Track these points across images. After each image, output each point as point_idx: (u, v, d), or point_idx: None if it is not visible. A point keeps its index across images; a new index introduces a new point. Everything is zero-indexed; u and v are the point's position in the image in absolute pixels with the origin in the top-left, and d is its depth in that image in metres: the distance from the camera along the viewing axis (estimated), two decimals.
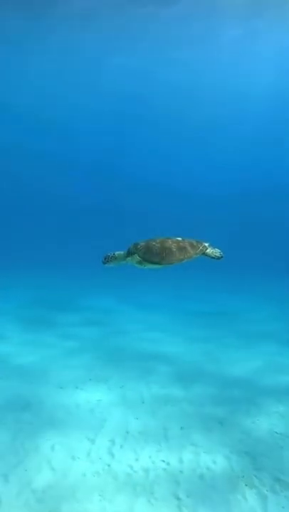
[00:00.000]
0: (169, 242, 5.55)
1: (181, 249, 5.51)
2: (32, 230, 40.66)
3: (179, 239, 5.66)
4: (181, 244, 5.57)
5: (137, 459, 5.49)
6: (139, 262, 5.56)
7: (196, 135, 40.92)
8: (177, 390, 7.65)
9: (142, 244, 5.55)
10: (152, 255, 5.44)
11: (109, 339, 10.98)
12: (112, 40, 26.25)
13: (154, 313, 14.55)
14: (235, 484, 5.05)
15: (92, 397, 7.29)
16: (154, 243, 5.52)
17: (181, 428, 6.30)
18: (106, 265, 5.79)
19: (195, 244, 5.66)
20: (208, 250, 5.73)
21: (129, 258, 5.64)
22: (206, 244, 5.74)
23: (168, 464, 5.42)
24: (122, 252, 5.73)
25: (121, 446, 5.77)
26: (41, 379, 7.97)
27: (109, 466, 5.34)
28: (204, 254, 5.72)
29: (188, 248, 5.57)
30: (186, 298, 18.04)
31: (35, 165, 42.43)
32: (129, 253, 5.63)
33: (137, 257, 5.55)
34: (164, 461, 5.48)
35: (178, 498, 4.78)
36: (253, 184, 45.08)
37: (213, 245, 5.81)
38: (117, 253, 5.74)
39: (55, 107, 35.40)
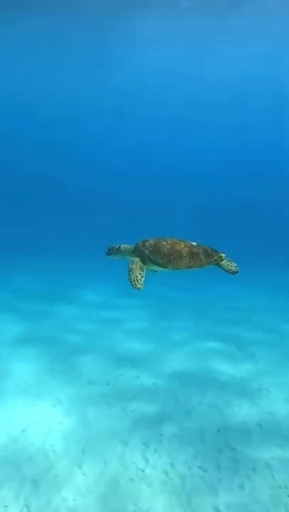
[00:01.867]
0: (181, 245, 5.12)
1: (193, 255, 5.09)
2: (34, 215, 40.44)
3: (194, 243, 5.22)
4: (194, 249, 5.14)
5: (172, 465, 5.22)
6: (143, 261, 5.11)
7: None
8: (213, 391, 7.32)
9: (151, 242, 5.14)
10: (159, 256, 5.04)
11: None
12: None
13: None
14: (277, 495, 4.73)
15: (124, 395, 7.02)
16: (164, 243, 5.10)
17: (218, 431, 5.99)
18: (109, 257, 5.39)
19: (210, 252, 5.21)
20: (223, 262, 5.28)
21: (134, 254, 5.20)
22: (223, 255, 5.30)
23: (205, 470, 5.13)
24: (128, 246, 5.30)
25: (155, 450, 5.50)
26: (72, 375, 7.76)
27: (143, 472, 5.08)
28: (218, 265, 5.28)
29: (201, 255, 5.14)
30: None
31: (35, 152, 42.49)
32: (136, 249, 5.21)
33: (142, 254, 5.13)
34: (200, 467, 5.19)
35: (217, 510, 4.49)
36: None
37: (230, 257, 5.37)
38: (122, 246, 5.33)
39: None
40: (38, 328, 10.57)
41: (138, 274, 4.95)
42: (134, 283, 4.86)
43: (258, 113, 37.90)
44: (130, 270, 4.99)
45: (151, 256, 5.05)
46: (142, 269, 5.01)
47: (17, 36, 24.79)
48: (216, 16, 22.62)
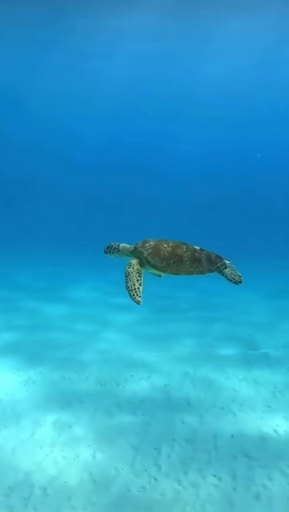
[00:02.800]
0: (183, 248, 4.74)
1: (195, 260, 4.72)
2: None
3: (197, 248, 4.84)
4: (196, 254, 4.75)
5: (185, 473, 5.04)
6: (141, 263, 4.71)
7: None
8: (226, 394, 7.13)
9: (151, 243, 4.75)
10: (158, 259, 4.65)
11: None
12: None
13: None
14: None
15: (135, 395, 6.86)
16: (165, 245, 4.71)
17: (232, 436, 5.80)
18: (107, 255, 5.00)
19: (213, 258, 4.85)
20: (226, 270, 4.91)
21: (133, 255, 4.80)
22: (227, 262, 4.93)
23: (220, 479, 4.95)
24: (127, 246, 4.88)
25: (168, 456, 5.32)
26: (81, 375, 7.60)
27: (156, 480, 4.91)
28: (220, 272, 4.90)
29: (204, 261, 4.77)
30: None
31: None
32: (135, 250, 4.79)
33: (141, 256, 4.72)
34: (215, 475, 5.01)
35: None
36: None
37: (234, 266, 4.98)
38: (122, 245, 4.90)
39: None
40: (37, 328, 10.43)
41: (136, 281, 4.54)
42: (132, 293, 4.48)
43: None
44: (127, 275, 4.58)
45: (149, 258, 4.68)
46: (139, 273, 4.63)
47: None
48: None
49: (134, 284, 4.52)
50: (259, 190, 43.35)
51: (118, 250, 4.90)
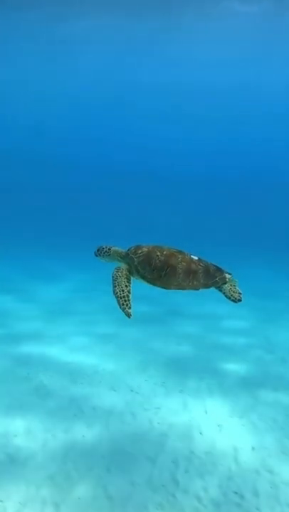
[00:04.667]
0: (178, 258, 4.16)
1: (190, 273, 4.14)
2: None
3: (195, 258, 4.25)
4: (192, 266, 4.16)
5: (205, 489, 4.76)
6: (130, 271, 4.22)
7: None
8: (246, 398, 6.84)
9: (144, 250, 4.20)
10: (149, 269, 4.12)
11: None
12: None
13: None
14: None
15: (150, 402, 6.59)
16: (158, 253, 4.15)
17: (253, 448, 5.52)
18: (97, 258, 4.52)
19: (212, 271, 4.25)
20: (225, 285, 4.32)
21: (123, 260, 4.32)
22: (227, 277, 4.32)
23: (242, 497, 4.67)
24: (119, 250, 4.38)
25: (186, 471, 5.05)
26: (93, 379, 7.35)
27: (174, 496, 4.64)
28: (219, 288, 4.32)
29: (200, 274, 4.18)
30: None
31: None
32: (126, 256, 4.30)
33: (131, 263, 4.23)
34: (236, 493, 4.73)
35: None
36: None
37: (235, 280, 4.39)
38: (113, 249, 4.40)
39: None
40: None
41: (124, 288, 4.06)
42: (121, 301, 4.00)
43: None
44: (114, 279, 4.12)
45: (139, 267, 4.14)
46: (128, 280, 4.15)
47: None
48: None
49: (122, 291, 4.04)
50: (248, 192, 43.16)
51: (109, 254, 4.41)
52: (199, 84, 33.46)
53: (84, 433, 5.69)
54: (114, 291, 4.05)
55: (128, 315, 3.95)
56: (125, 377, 7.37)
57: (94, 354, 8.45)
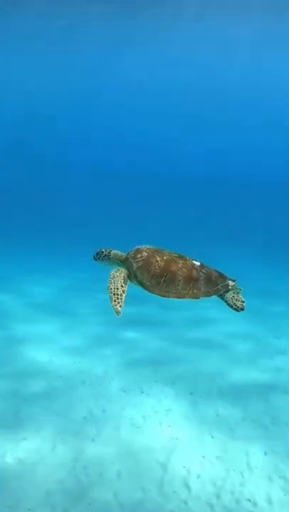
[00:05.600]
0: (179, 264, 3.93)
1: (190, 280, 3.91)
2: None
3: (197, 264, 4.00)
4: (193, 273, 3.92)
5: (218, 496, 4.67)
6: (129, 276, 4.02)
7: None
8: (257, 402, 6.72)
9: (144, 254, 3.99)
10: (147, 275, 3.91)
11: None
12: None
13: None
14: None
15: (160, 405, 6.50)
16: (158, 259, 3.93)
17: (265, 453, 5.42)
18: (96, 262, 4.32)
19: (214, 278, 4.01)
20: (228, 294, 4.08)
21: (123, 265, 4.12)
22: (231, 284, 4.07)
23: (255, 504, 4.58)
24: (119, 253, 4.19)
25: (198, 476, 4.96)
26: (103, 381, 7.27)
27: (186, 503, 4.55)
28: (220, 296, 4.09)
29: (201, 282, 3.94)
30: None
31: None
32: (126, 260, 4.11)
33: (130, 268, 4.03)
34: (249, 500, 4.63)
35: None
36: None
37: (240, 288, 4.13)
38: (113, 252, 4.20)
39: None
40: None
41: (120, 287, 3.87)
42: (114, 298, 3.81)
43: None
44: (112, 277, 3.93)
45: (138, 273, 3.94)
46: (125, 281, 3.95)
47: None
48: None
49: (117, 289, 3.85)
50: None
51: (109, 258, 4.22)
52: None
53: (94, 436, 5.61)
54: (108, 287, 3.87)
55: (117, 312, 3.75)
56: (135, 379, 7.27)
57: (99, 354, 8.37)
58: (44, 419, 5.95)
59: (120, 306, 3.78)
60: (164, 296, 3.95)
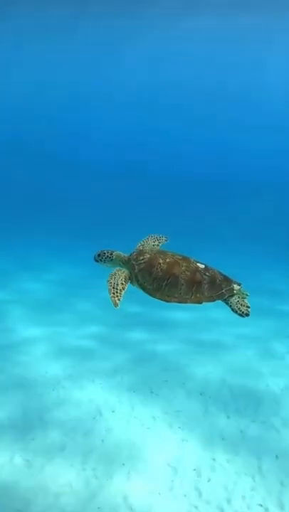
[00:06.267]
0: (182, 267, 3.75)
1: (193, 284, 3.73)
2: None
3: (201, 266, 3.82)
4: (197, 276, 3.74)
5: (228, 500, 4.61)
6: (131, 278, 3.86)
7: None
8: (269, 404, 6.63)
9: (146, 256, 3.84)
10: (149, 278, 3.76)
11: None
12: None
13: None
14: None
15: (170, 406, 6.43)
16: (160, 261, 3.76)
17: (277, 457, 5.34)
18: (98, 264, 4.13)
19: (218, 282, 3.82)
20: (232, 298, 3.87)
21: (125, 266, 3.95)
22: (236, 288, 3.88)
23: (266, 509, 4.52)
24: (122, 254, 4.02)
25: (208, 480, 4.90)
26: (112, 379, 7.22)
27: (196, 508, 4.50)
28: (225, 300, 3.87)
29: (204, 286, 3.76)
30: None
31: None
32: (128, 261, 3.95)
33: (131, 270, 3.87)
34: (261, 505, 4.57)
35: None
36: None
37: (245, 292, 3.92)
38: (115, 253, 4.03)
39: None
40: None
41: (120, 283, 3.74)
42: (113, 290, 3.67)
43: None
44: (113, 274, 3.82)
45: (139, 275, 3.79)
46: (126, 280, 3.81)
47: None
48: None
49: (117, 284, 3.71)
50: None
51: (111, 259, 4.05)
52: None
53: (103, 437, 5.56)
54: (108, 281, 3.75)
55: (115, 304, 3.61)
56: (145, 379, 7.20)
57: (107, 354, 8.31)
58: (52, 420, 5.90)
59: (118, 299, 3.66)
60: (166, 300, 3.78)
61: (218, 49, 28.50)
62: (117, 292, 3.69)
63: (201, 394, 6.81)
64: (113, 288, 3.70)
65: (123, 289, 3.74)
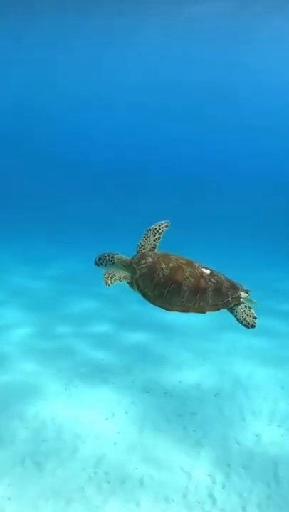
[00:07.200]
0: (186, 272, 3.54)
1: (197, 291, 3.52)
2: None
3: (206, 272, 3.60)
4: (201, 283, 3.53)
5: (244, 508, 4.50)
6: (131, 283, 3.70)
7: None
8: (286, 405, 6.48)
9: (149, 260, 3.64)
10: (150, 284, 3.57)
11: None
12: None
13: None
14: None
15: (184, 406, 6.32)
16: (163, 265, 3.56)
17: None
18: (99, 268, 3.89)
19: (224, 289, 3.59)
20: (239, 307, 3.63)
21: (127, 270, 3.75)
22: (243, 296, 3.65)
23: None
24: (124, 258, 3.83)
25: (223, 487, 4.78)
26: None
27: None
28: (231, 309, 3.64)
29: (209, 294, 3.54)
30: None
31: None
32: (130, 265, 3.75)
33: (132, 275, 3.69)
34: None
35: None
36: None
37: (253, 300, 3.71)
38: (117, 256, 3.83)
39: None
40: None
41: (118, 276, 3.59)
42: (106, 275, 3.55)
43: None
44: (112, 270, 3.67)
45: (140, 281, 3.61)
46: (125, 278, 3.64)
47: None
48: None
49: (114, 274, 3.58)
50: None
51: (113, 263, 3.84)
52: None
53: (116, 440, 5.47)
54: (105, 272, 3.62)
55: (106, 283, 3.47)
56: (158, 379, 7.10)
57: (116, 354, 8.22)
58: (65, 420, 5.82)
59: (111, 282, 3.51)
60: (167, 308, 3.58)
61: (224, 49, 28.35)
62: (112, 276, 3.57)
63: (215, 395, 6.69)
64: (109, 274, 3.59)
65: (120, 280, 3.59)
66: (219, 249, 17.68)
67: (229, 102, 36.84)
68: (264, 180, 39.83)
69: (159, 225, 3.94)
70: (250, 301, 3.69)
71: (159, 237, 3.92)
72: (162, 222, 3.97)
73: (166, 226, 3.95)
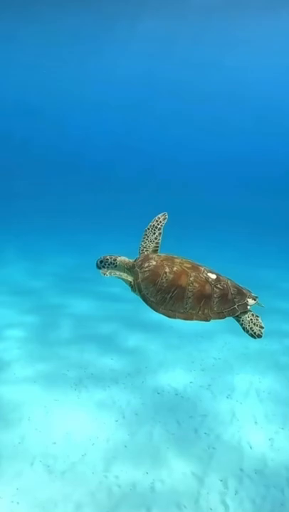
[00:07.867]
0: (191, 277, 3.32)
1: (202, 297, 3.30)
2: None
3: (212, 277, 3.37)
4: (206, 288, 3.31)
5: None
6: (133, 286, 3.51)
7: None
8: None
9: (153, 263, 3.43)
10: (153, 290, 3.36)
11: None
12: None
13: None
14: None
15: (195, 409, 6.21)
16: (166, 269, 3.35)
17: None
18: (100, 271, 3.56)
19: (230, 296, 3.37)
20: (245, 316, 3.40)
21: (129, 272, 3.58)
22: (251, 303, 3.42)
23: None
24: (126, 260, 3.63)
25: (236, 493, 4.67)
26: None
27: None
28: (237, 317, 3.41)
29: (214, 300, 3.32)
30: None
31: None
32: (132, 268, 3.57)
33: (134, 278, 3.49)
34: None
35: None
36: None
37: (263, 304, 3.50)
38: (119, 259, 3.63)
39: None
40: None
41: (117, 268, 3.54)
42: (103, 263, 3.54)
43: None
44: (122, 262, 3.60)
45: (142, 285, 3.39)
46: (126, 277, 3.49)
47: None
48: None
49: (114, 261, 3.56)
50: None
51: (115, 266, 3.64)
52: None
53: (126, 443, 5.37)
54: (109, 263, 3.57)
55: (103, 273, 3.39)
56: (169, 380, 6.99)
57: (125, 354, 8.12)
58: (75, 422, 5.73)
59: (108, 274, 3.42)
60: (170, 316, 3.35)
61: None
62: (107, 266, 3.54)
63: (227, 397, 6.57)
64: (110, 263, 3.56)
65: (120, 277, 3.47)
66: (228, 246, 17.57)
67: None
68: (264, 180, 40.00)
69: (157, 221, 3.76)
70: (258, 305, 3.48)
71: (160, 233, 3.73)
72: (159, 215, 3.79)
73: (164, 219, 3.77)
